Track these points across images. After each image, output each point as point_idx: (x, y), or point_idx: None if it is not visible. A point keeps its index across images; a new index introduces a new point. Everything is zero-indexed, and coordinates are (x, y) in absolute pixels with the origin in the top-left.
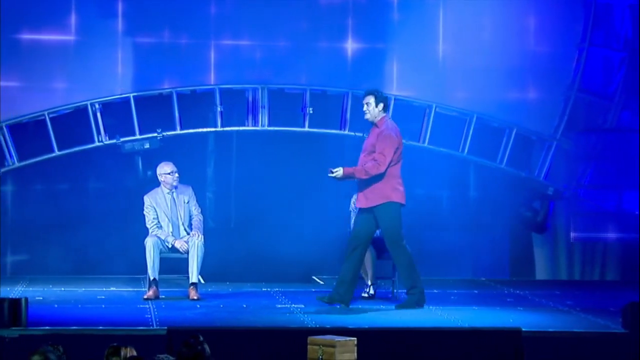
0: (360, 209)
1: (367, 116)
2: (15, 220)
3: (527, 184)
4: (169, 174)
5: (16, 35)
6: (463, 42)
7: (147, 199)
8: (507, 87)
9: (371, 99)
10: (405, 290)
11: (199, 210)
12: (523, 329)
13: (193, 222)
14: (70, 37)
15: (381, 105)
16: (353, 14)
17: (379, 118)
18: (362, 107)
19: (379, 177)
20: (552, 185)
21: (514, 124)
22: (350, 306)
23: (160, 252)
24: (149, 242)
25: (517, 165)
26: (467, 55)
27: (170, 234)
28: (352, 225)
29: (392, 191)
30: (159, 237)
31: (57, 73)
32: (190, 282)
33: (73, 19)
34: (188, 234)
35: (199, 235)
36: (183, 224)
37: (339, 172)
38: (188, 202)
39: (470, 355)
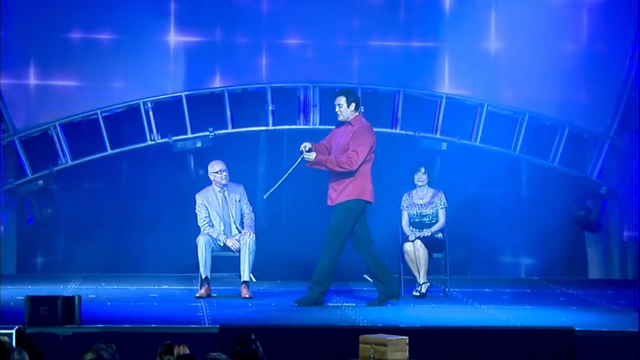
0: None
1: (340, 117)
2: (69, 218)
3: (579, 182)
4: (217, 172)
5: (69, 34)
6: (515, 40)
7: (199, 198)
8: (559, 86)
9: (342, 100)
10: (456, 290)
11: (251, 209)
12: (576, 329)
13: (245, 221)
14: (123, 36)
15: (353, 105)
16: (405, 12)
17: (353, 117)
18: (335, 107)
19: (351, 174)
20: (605, 184)
21: (567, 122)
22: (402, 305)
23: (212, 251)
24: (201, 241)
25: (570, 164)
26: (519, 53)
27: (222, 232)
28: (402, 223)
29: (363, 189)
30: (210, 236)
31: (110, 72)
32: (241, 280)
33: (125, 18)
34: (240, 232)
35: (250, 234)
36: (235, 223)
37: (312, 155)
38: (239, 201)
39: (523, 354)
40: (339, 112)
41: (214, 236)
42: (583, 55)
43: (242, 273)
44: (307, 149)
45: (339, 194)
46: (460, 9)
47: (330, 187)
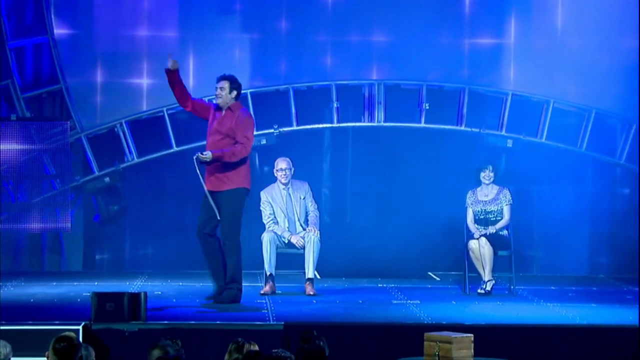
0: (212, 194)
1: (219, 100)
2: (135, 215)
3: None
4: (278, 170)
5: (135, 32)
6: (581, 37)
7: (264, 195)
8: (626, 83)
9: (226, 84)
10: (521, 287)
11: (316, 206)
12: None
13: (309, 218)
14: (188, 34)
15: (234, 93)
16: (470, 9)
17: (232, 103)
18: (216, 90)
19: (239, 161)
20: None
21: (634, 120)
22: (467, 302)
23: (277, 248)
24: (266, 238)
25: (636, 161)
26: (585, 50)
27: (287, 229)
28: (467, 221)
29: (246, 176)
30: (275, 233)
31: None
32: (306, 277)
33: (191, 15)
34: (304, 229)
35: (315, 231)
36: (299, 220)
37: (207, 155)
38: (304, 198)
39: (588, 352)
40: (219, 96)
41: (279, 233)
42: None
43: (306, 270)
44: (203, 154)
45: (223, 181)
46: (526, 6)
47: (211, 172)
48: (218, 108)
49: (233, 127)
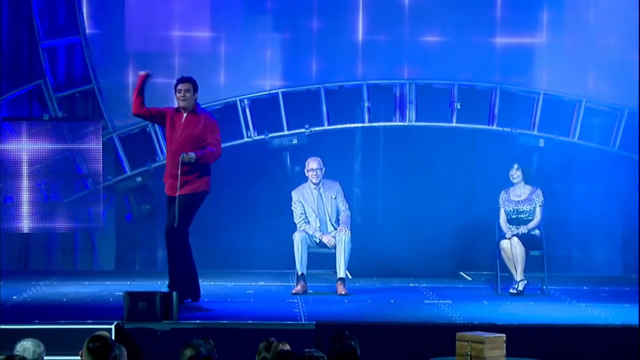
0: (172, 197)
1: (184, 103)
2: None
3: None
4: (309, 170)
5: (167, 32)
6: (613, 36)
7: (295, 195)
8: None
9: (190, 86)
10: (554, 287)
11: (347, 206)
12: None
13: (340, 218)
14: (220, 34)
15: (196, 95)
16: (502, 8)
17: (195, 106)
18: (180, 93)
19: (202, 164)
20: None
21: None
22: (499, 302)
23: (309, 248)
24: (297, 237)
25: None
26: (616, 49)
27: (318, 229)
28: (499, 221)
29: (208, 180)
30: (307, 232)
31: (208, 70)
32: (337, 277)
33: (223, 15)
34: (335, 229)
35: (346, 231)
36: (330, 220)
37: (192, 156)
38: (335, 198)
39: (621, 353)
40: (185, 99)
41: (310, 233)
42: None
43: (338, 270)
44: (188, 155)
45: (185, 184)
46: (558, 4)
47: (173, 175)
48: (178, 111)
49: (203, 131)
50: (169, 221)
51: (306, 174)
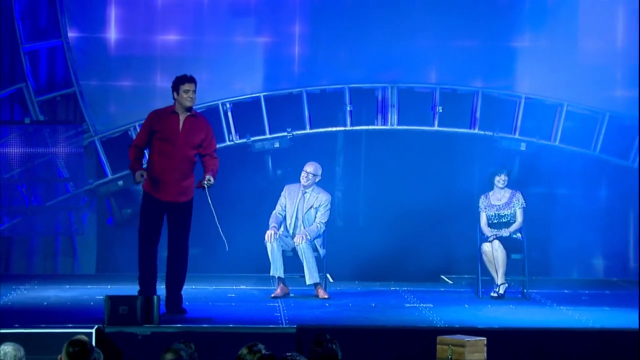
0: (163, 204)
1: (190, 103)
2: None
3: None
4: (303, 171)
5: (149, 36)
6: (596, 40)
7: (285, 188)
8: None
9: (196, 86)
10: (535, 291)
11: (324, 220)
12: None
13: (310, 226)
14: (201, 37)
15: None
16: (484, 12)
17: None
18: (188, 93)
19: (192, 171)
20: None
21: None
22: (480, 306)
23: (284, 252)
24: (269, 243)
25: None
26: (599, 53)
27: (290, 227)
28: (480, 224)
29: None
30: (281, 237)
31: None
32: (307, 283)
33: (203, 19)
34: None
35: (302, 238)
36: (303, 225)
37: (212, 180)
38: (316, 208)
39: (601, 356)
40: (191, 98)
41: (274, 227)
42: None
43: (306, 277)
44: (208, 180)
45: (185, 191)
46: (540, 8)
47: (175, 183)
48: (173, 112)
49: (204, 138)
50: (175, 227)
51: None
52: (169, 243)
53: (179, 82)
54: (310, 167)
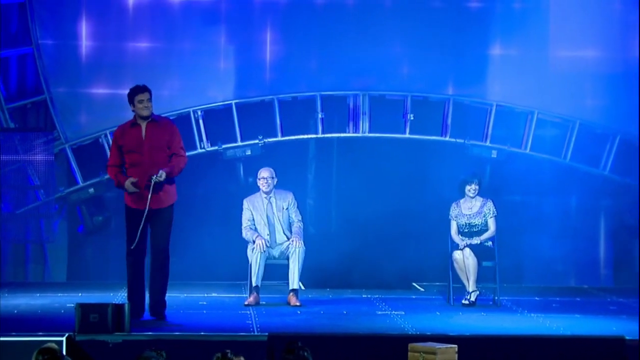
0: (144, 213)
1: (147, 112)
2: (120, 226)
3: (630, 190)
4: (259, 179)
5: (120, 43)
6: (567, 48)
7: (246, 202)
8: (611, 93)
9: (150, 95)
10: (506, 298)
11: (300, 217)
12: (626, 337)
13: (293, 229)
14: (172, 45)
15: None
16: (456, 19)
17: (151, 114)
18: (142, 103)
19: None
20: None
21: (618, 130)
22: (451, 313)
23: (266, 260)
24: (257, 252)
25: (621, 172)
26: (570, 61)
27: (268, 238)
28: (451, 232)
29: (176, 190)
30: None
31: (160, 80)
32: (290, 288)
33: (175, 26)
34: (288, 238)
35: (298, 242)
36: (283, 229)
37: (162, 175)
38: (287, 209)
39: None
40: (147, 107)
41: (251, 238)
42: (634, 63)
43: (290, 281)
44: (159, 175)
45: (163, 198)
46: (511, 17)
47: (159, 194)
48: (134, 124)
49: (169, 139)
50: (156, 235)
51: (257, 183)
52: (151, 249)
53: (132, 94)
54: (265, 172)
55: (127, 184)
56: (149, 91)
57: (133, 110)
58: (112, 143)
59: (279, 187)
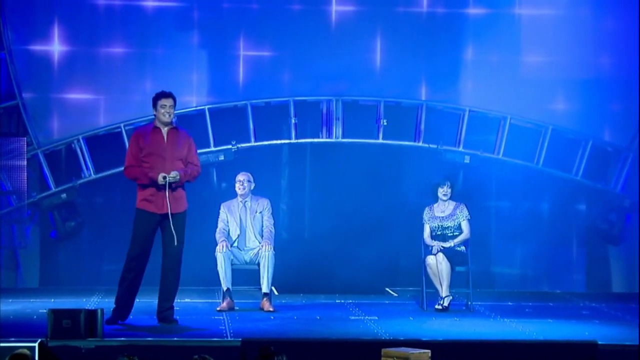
0: (159, 217)
1: (169, 118)
2: (92, 232)
3: (603, 195)
4: (237, 182)
5: (92, 48)
6: (539, 54)
7: (222, 206)
8: (583, 99)
9: (174, 102)
10: (479, 303)
11: (272, 222)
12: (599, 342)
13: (263, 233)
14: (145, 50)
15: None
16: (427, 24)
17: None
18: (165, 108)
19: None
20: (628, 197)
21: (590, 135)
22: (425, 318)
23: (232, 264)
24: (220, 255)
25: (593, 177)
26: (542, 66)
27: (237, 239)
28: (424, 236)
29: (186, 196)
30: (230, 250)
31: (133, 85)
32: (262, 292)
33: (147, 31)
34: (259, 242)
35: (268, 246)
36: (254, 233)
37: (176, 176)
38: (261, 212)
39: None
40: (168, 113)
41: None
42: (607, 68)
43: (262, 285)
44: (174, 176)
45: (178, 203)
46: (484, 22)
47: (169, 194)
48: (155, 127)
49: (188, 148)
50: (171, 239)
51: (235, 187)
52: (163, 254)
53: (156, 98)
54: (242, 176)
55: (160, 178)
56: (174, 98)
57: (154, 114)
58: (131, 145)
59: (254, 193)
